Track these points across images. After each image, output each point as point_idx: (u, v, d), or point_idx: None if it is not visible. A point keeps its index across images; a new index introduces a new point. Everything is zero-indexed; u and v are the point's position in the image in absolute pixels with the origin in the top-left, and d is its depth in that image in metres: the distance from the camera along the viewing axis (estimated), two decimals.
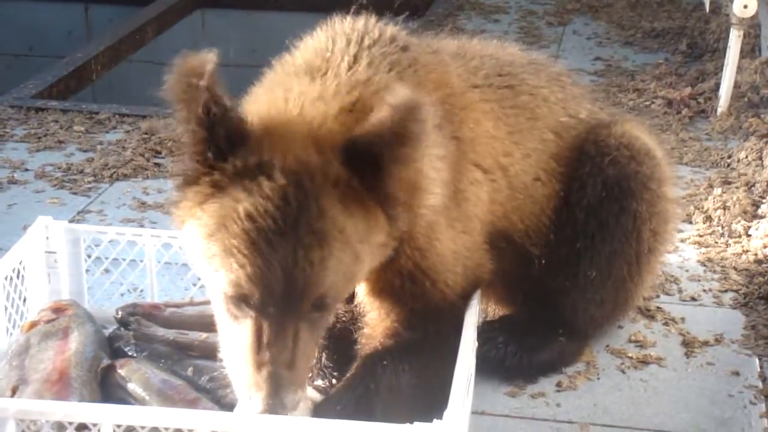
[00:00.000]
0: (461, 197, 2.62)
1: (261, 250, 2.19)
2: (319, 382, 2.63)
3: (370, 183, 2.26)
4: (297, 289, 2.20)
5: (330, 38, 2.57)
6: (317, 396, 2.52)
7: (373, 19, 2.64)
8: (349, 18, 2.63)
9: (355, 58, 2.50)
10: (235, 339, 2.27)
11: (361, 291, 2.63)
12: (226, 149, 2.24)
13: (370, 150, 2.21)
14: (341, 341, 2.69)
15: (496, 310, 3.06)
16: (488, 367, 2.77)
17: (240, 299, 2.22)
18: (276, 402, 2.20)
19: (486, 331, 2.75)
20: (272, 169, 2.21)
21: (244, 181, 2.23)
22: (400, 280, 2.55)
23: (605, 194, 2.85)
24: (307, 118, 2.32)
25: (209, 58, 2.19)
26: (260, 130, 2.28)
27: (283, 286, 2.19)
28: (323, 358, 2.67)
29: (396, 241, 2.41)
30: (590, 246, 2.86)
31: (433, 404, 2.30)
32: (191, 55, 2.22)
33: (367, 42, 2.56)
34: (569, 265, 2.87)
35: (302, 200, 2.20)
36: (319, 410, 2.40)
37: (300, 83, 2.44)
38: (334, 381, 2.65)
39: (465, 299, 2.65)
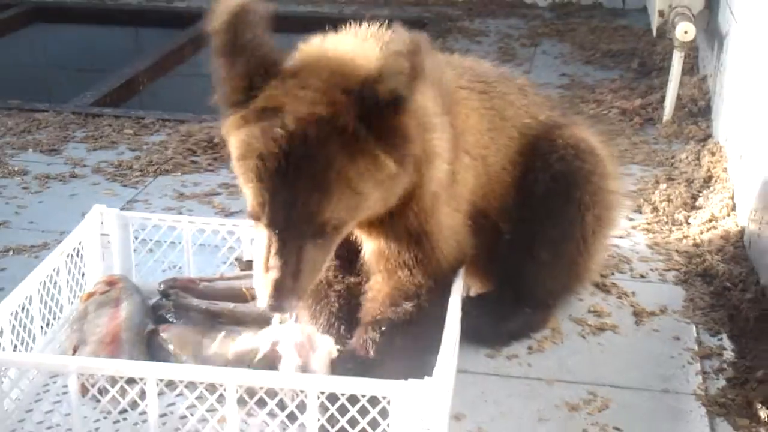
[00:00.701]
0: (455, 179, 2.61)
1: (267, 187, 2.18)
2: (337, 347, 2.62)
3: (377, 127, 2.19)
4: (298, 221, 2.19)
5: (355, 34, 2.52)
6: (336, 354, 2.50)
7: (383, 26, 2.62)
8: (365, 23, 2.57)
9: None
10: (257, 243, 2.30)
11: (368, 251, 2.61)
12: (248, 82, 2.21)
13: (379, 89, 2.15)
14: (355, 314, 2.66)
15: (475, 286, 3.05)
16: (466, 337, 2.77)
17: (254, 217, 2.24)
18: (275, 303, 2.22)
19: (465, 305, 2.74)
20: (285, 116, 2.18)
21: (262, 122, 2.20)
22: (406, 241, 2.53)
23: (553, 185, 2.83)
24: (341, 62, 2.26)
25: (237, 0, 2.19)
26: (294, 69, 2.25)
27: (285, 217, 2.19)
28: (341, 330, 2.64)
29: (409, 177, 2.36)
30: (542, 230, 2.85)
31: (422, 364, 2.31)
32: None
33: (386, 39, 2.53)
34: (527, 246, 2.86)
35: (306, 148, 2.16)
36: (333, 366, 2.41)
37: (349, 39, 2.40)
38: None
39: (453, 272, 2.65)
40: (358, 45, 2.39)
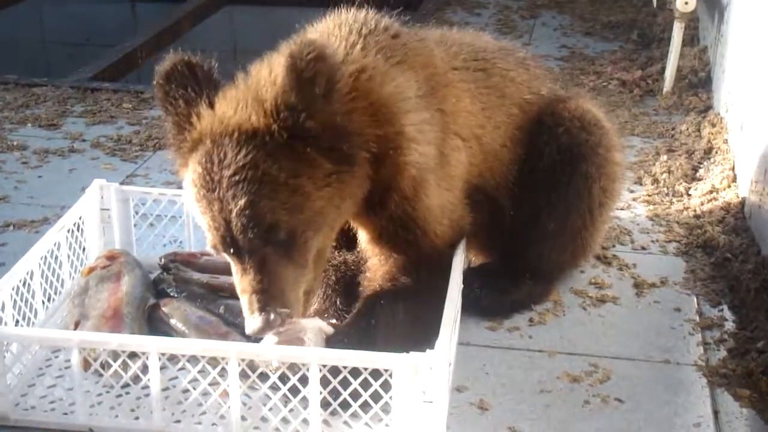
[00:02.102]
0: (445, 161, 2.60)
1: (204, 209, 2.25)
2: (334, 321, 2.62)
3: (294, 128, 2.22)
4: (240, 231, 2.21)
5: (336, 26, 2.56)
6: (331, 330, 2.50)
7: (372, 12, 2.63)
8: (353, 10, 2.61)
9: (353, 44, 2.49)
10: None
11: (363, 239, 2.62)
12: (180, 129, 2.31)
13: (289, 99, 2.20)
14: (352, 287, 2.67)
15: (476, 259, 3.05)
16: (469, 307, 2.77)
17: (213, 247, 2.30)
18: (256, 320, 2.24)
19: (466, 276, 2.74)
20: (205, 137, 2.25)
21: (192, 153, 2.29)
22: (393, 227, 2.54)
23: (559, 158, 2.83)
24: (251, 82, 2.32)
25: (168, 59, 2.32)
26: (216, 102, 2.30)
27: (228, 231, 2.22)
28: (338, 302, 2.65)
29: (367, 176, 2.38)
30: (548, 202, 2.84)
31: (424, 337, 2.31)
32: (163, 60, 2.33)
33: (364, 31, 2.54)
34: (532, 219, 2.85)
35: (222, 158, 2.21)
36: (329, 342, 2.40)
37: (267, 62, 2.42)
38: None
39: (452, 247, 2.65)
40: (269, 63, 2.38)
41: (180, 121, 2.32)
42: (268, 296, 2.24)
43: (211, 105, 2.30)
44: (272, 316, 2.24)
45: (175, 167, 2.41)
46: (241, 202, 2.19)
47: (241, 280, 2.27)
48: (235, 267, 2.28)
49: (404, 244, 2.57)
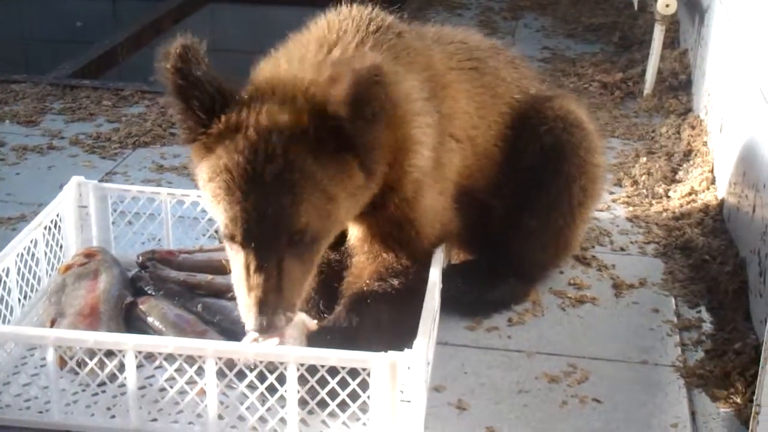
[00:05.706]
0: (440, 164, 2.61)
1: (237, 198, 2.19)
2: (315, 322, 2.60)
3: (342, 137, 2.22)
4: (271, 228, 2.19)
5: (343, 19, 2.54)
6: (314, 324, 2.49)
7: (377, 9, 2.61)
8: (356, 6, 2.61)
9: (363, 40, 2.48)
10: (234, 269, 2.28)
11: (353, 235, 2.61)
12: (205, 115, 2.23)
13: (335, 112, 2.19)
14: (334, 290, 2.65)
15: (457, 256, 3.05)
16: (449, 304, 2.76)
17: (229, 238, 2.24)
18: (262, 321, 2.20)
19: (447, 274, 2.74)
20: (247, 127, 2.20)
21: (225, 140, 2.23)
22: (389, 228, 2.54)
23: (542, 157, 2.85)
24: (298, 80, 2.28)
25: (178, 42, 2.21)
26: (250, 92, 2.26)
27: (258, 226, 2.19)
28: (320, 305, 2.63)
29: (377, 186, 2.39)
30: (529, 200, 2.86)
31: (407, 337, 2.30)
32: (168, 42, 2.23)
33: (372, 27, 2.53)
34: (515, 216, 2.87)
35: (270, 153, 2.18)
36: (310, 340, 2.39)
37: (308, 51, 2.41)
38: None
39: (436, 250, 2.64)
40: (312, 65, 2.37)
41: (208, 105, 2.23)
42: (279, 298, 2.22)
43: (250, 96, 2.25)
44: (281, 319, 2.22)
45: (191, 156, 2.34)
46: (283, 200, 2.18)
47: (250, 277, 2.21)
48: (244, 262, 2.22)
49: (396, 245, 2.57)
